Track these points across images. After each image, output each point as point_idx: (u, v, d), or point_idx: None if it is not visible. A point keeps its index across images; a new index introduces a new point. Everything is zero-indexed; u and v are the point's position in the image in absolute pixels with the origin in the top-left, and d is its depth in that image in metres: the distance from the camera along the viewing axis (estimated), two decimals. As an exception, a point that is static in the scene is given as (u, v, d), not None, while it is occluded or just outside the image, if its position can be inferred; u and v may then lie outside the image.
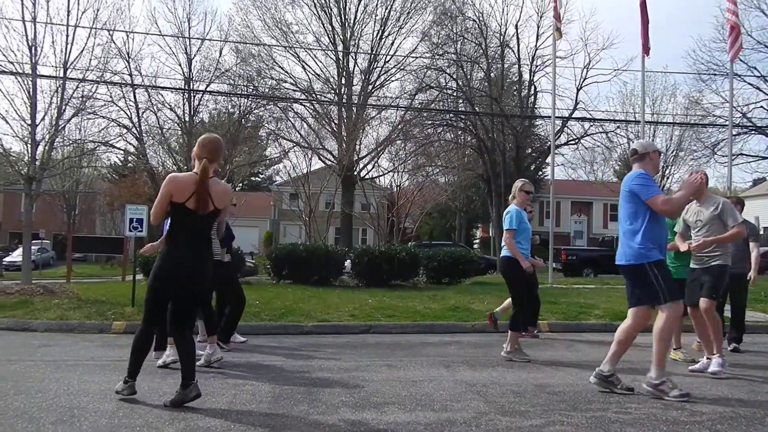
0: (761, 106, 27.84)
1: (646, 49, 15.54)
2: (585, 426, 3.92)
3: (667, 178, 31.87)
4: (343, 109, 27.00)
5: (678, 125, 29.52)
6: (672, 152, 30.91)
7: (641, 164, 5.07)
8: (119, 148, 29.07)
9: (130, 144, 28.98)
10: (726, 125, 21.23)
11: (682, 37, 78.94)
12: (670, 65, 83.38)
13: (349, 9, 27.44)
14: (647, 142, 5.45)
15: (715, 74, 27.44)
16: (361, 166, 26.81)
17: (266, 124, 27.98)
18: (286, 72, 27.81)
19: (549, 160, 24.32)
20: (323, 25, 27.68)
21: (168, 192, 4.27)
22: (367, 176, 27.28)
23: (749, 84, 27.47)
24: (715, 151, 28.21)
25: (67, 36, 14.50)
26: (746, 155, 28.39)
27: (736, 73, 23.83)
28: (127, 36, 25.39)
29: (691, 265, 6.03)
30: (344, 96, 27.73)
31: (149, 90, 24.96)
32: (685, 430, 3.88)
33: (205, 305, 6.30)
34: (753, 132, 27.84)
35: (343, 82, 27.91)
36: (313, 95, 27.58)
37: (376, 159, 27.03)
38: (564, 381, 5.29)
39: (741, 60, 24.83)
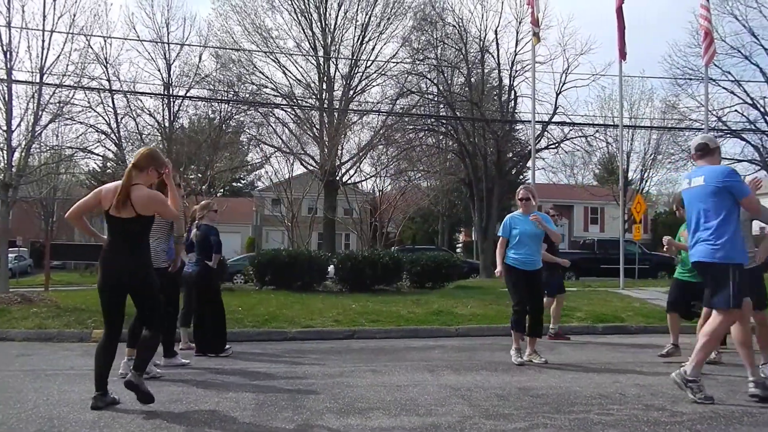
0: (736, 110, 28.36)
1: (623, 54, 15.73)
2: (568, 428, 3.95)
3: (646, 181, 32.28)
4: (324, 114, 26.94)
5: (655, 129, 29.90)
6: (650, 156, 31.30)
7: (710, 159, 4.86)
8: (98, 154, 28.62)
9: (108, 150, 28.57)
10: (702, 129, 21.57)
11: (659, 42, 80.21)
12: (647, 70, 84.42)
13: (329, 14, 27.42)
14: (713, 137, 5.36)
15: (690, 79, 27.88)
16: (344, 171, 26.78)
17: (247, 130, 27.82)
18: (267, 77, 27.69)
19: (530, 164, 24.47)
20: (303, 30, 27.62)
21: (90, 198, 4.63)
22: (349, 181, 27.24)
23: (724, 88, 27.94)
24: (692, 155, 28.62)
25: (44, 41, 14.27)
26: (722, 158, 28.76)
27: (711, 78, 24.23)
28: (105, 41, 25.04)
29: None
30: (325, 101, 27.66)
31: (128, 95, 24.68)
32: (666, 430, 3.93)
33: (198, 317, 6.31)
34: (728, 135, 28.32)
35: (324, 87, 27.85)
36: (294, 100, 27.49)
37: (358, 164, 27.02)
38: (547, 384, 5.33)
39: (715, 65, 25.26)
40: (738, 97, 28.03)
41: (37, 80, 14.32)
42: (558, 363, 6.44)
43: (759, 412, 4.37)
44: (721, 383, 5.40)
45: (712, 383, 5.39)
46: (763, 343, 5.61)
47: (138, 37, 29.69)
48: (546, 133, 28.52)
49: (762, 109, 27.96)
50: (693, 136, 27.87)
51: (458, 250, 44.71)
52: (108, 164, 35.23)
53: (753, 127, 28.00)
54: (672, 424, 4.07)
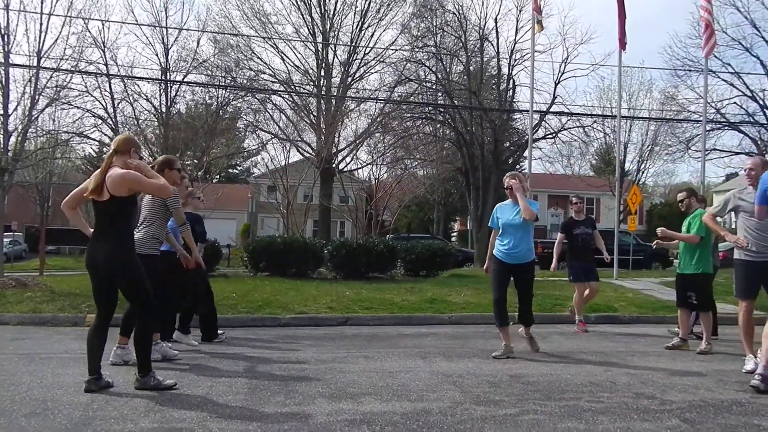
0: (735, 102, 28.33)
1: (622, 44, 15.69)
2: (558, 415, 3.99)
3: (643, 172, 32.31)
4: (322, 101, 26.85)
5: (654, 120, 29.91)
6: (647, 147, 31.30)
7: None
8: (94, 139, 28.55)
9: (105, 135, 28.44)
10: (700, 121, 21.57)
11: (659, 33, 79.98)
12: (646, 61, 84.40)
13: (329, 0, 27.29)
14: None
15: (690, 70, 27.82)
16: (340, 158, 26.73)
17: (244, 116, 27.71)
18: (265, 63, 27.57)
19: (527, 153, 24.46)
20: (302, 15, 27.47)
21: (82, 187, 4.65)
22: (345, 169, 27.22)
23: (723, 80, 27.90)
24: (690, 146, 28.66)
25: (41, 24, 14.15)
26: (720, 150, 28.85)
27: (711, 70, 24.22)
28: (103, 25, 24.89)
29: (746, 257, 5.57)
30: (323, 88, 27.56)
31: (125, 80, 24.55)
32: (655, 418, 3.96)
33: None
34: (726, 128, 28.32)
35: (322, 73, 27.74)
36: (292, 87, 27.39)
37: (354, 151, 26.98)
38: (538, 371, 5.37)
39: (716, 56, 25.22)
40: (737, 89, 27.99)
41: (35, 64, 14.23)
42: (550, 351, 6.48)
43: (748, 402, 4.42)
44: (710, 373, 5.45)
45: (703, 373, 5.44)
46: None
47: (136, 20, 29.47)
48: (544, 122, 28.52)
49: (761, 102, 27.95)
50: (691, 129, 27.98)
51: (453, 239, 44.79)
52: (104, 149, 35.12)
53: (751, 120, 27.99)
54: (662, 412, 4.11)
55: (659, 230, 6.88)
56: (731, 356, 6.27)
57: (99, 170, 4.49)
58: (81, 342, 6.67)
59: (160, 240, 5.68)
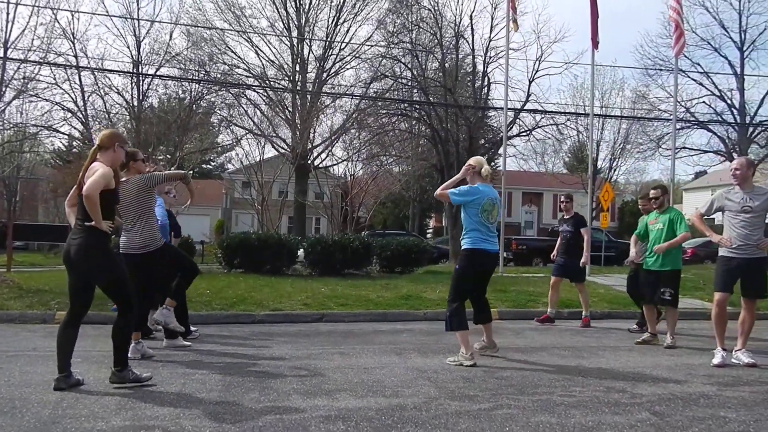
0: (704, 102, 28.89)
1: (595, 43, 15.88)
2: (531, 409, 4.03)
3: (615, 170, 32.79)
4: (297, 97, 26.67)
5: (625, 119, 30.36)
6: (619, 145, 31.78)
7: None
8: (63, 133, 27.97)
9: (75, 128, 27.90)
10: (670, 119, 21.95)
11: (631, 31, 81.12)
12: (618, 59, 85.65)
13: (304, -6, 27.10)
14: None
15: (661, 69, 28.31)
16: (315, 154, 26.60)
17: (218, 111, 27.37)
18: (239, 57, 27.25)
19: (501, 151, 24.62)
20: (277, 10, 27.22)
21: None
22: (321, 165, 27.10)
23: (693, 80, 28.44)
24: (660, 145, 29.18)
25: (8, 14, 13.87)
26: (689, 149, 29.43)
27: (681, 69, 24.69)
28: (72, 15, 24.37)
29: (728, 254, 5.75)
30: (298, 83, 27.38)
31: (95, 73, 24.09)
32: (625, 411, 4.03)
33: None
34: (696, 126, 28.87)
35: (298, 69, 27.54)
36: (267, 82, 27.15)
37: (330, 148, 26.86)
38: (512, 366, 5.42)
39: (685, 56, 25.73)
40: (706, 88, 28.54)
41: (1, 55, 13.90)
42: (523, 346, 6.55)
43: (714, 395, 4.52)
44: (679, 367, 5.56)
45: (672, 367, 5.55)
46: (744, 330, 5.79)
47: (107, 12, 28.96)
48: (518, 120, 28.71)
49: (729, 101, 28.54)
50: (661, 127, 28.50)
51: (428, 236, 44.94)
52: (74, 143, 34.49)
53: (720, 119, 28.57)
54: (632, 405, 4.19)
55: (656, 248, 6.85)
56: (699, 350, 6.41)
57: (84, 165, 4.53)
58: (50, 339, 6.55)
59: (157, 235, 5.74)
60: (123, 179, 5.27)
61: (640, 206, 7.82)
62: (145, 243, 5.58)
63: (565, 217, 8.79)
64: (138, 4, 26.02)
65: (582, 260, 8.51)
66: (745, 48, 28.02)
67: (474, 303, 5.97)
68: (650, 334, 6.96)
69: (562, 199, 9.14)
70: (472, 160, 6.05)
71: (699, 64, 28.46)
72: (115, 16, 25.79)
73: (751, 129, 28.09)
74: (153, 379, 4.63)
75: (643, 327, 7.40)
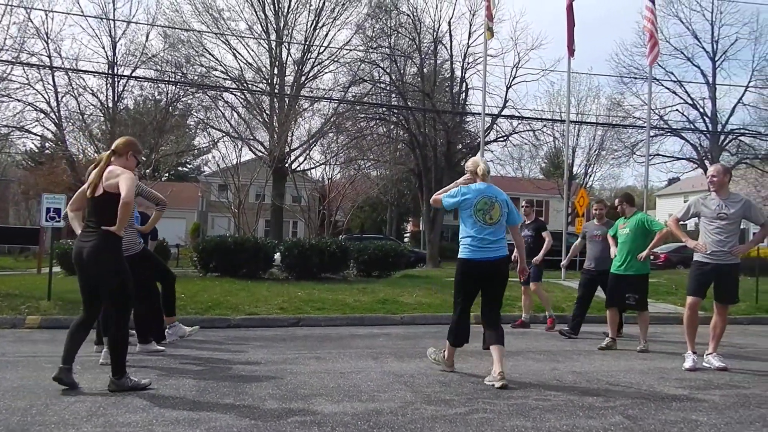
0: (677, 110, 29.45)
1: (571, 51, 16.09)
2: (507, 413, 4.05)
3: (590, 176, 33.22)
4: (275, 100, 26.57)
5: (600, 125, 30.81)
6: (594, 151, 32.24)
7: None
8: (36, 134, 27.53)
9: (47, 129, 27.49)
10: (644, 127, 22.28)
11: (607, 40, 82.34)
12: (594, 67, 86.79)
13: (283, -3, 27.02)
14: None
15: (635, 77, 28.83)
16: (293, 158, 26.51)
17: (195, 113, 27.16)
18: (217, 60, 27.08)
19: (478, 156, 24.76)
20: (256, 12, 27.11)
21: (83, 188, 4.68)
22: (298, 168, 27.01)
23: (666, 88, 29.01)
24: (634, 151, 29.68)
25: (-21, 12, 13.58)
26: (662, 156, 30.00)
27: (655, 78, 25.10)
28: (46, 15, 24.05)
29: (702, 259, 5.83)
30: (276, 86, 27.28)
31: (69, 73, 23.74)
32: (599, 414, 4.07)
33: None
34: (669, 134, 29.41)
35: (276, 72, 27.45)
36: (245, 84, 27.01)
37: (307, 151, 26.80)
38: (488, 371, 5.42)
39: (659, 65, 26.21)
40: (679, 97, 29.13)
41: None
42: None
43: (686, 398, 4.59)
44: (652, 371, 5.64)
45: (645, 371, 5.62)
46: (716, 335, 5.89)
47: (82, 12, 28.59)
48: (495, 126, 28.97)
49: (701, 110, 29.13)
50: (636, 134, 28.96)
51: (406, 240, 45.03)
52: (47, 144, 33.90)
53: (692, 127, 29.12)
54: (606, 408, 4.23)
55: (639, 256, 6.97)
56: (672, 354, 6.51)
57: (96, 169, 4.54)
58: (20, 345, 6.43)
59: (136, 240, 5.96)
60: None
61: (594, 210, 8.09)
62: (125, 246, 5.46)
63: (525, 222, 8.85)
64: (114, 5, 25.76)
65: (534, 259, 8.51)
66: (716, 58, 28.67)
67: (482, 318, 5.26)
68: (611, 338, 7.05)
69: (523, 204, 9.24)
70: (468, 163, 5.53)
71: (672, 73, 29.04)
72: (90, 17, 25.50)
73: (722, 137, 28.69)
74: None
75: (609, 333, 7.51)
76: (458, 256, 5.24)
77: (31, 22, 23.48)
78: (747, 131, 28.85)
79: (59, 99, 24.61)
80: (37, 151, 36.94)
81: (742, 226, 6.06)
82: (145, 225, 6.25)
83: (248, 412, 3.96)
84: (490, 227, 5.11)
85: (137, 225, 6.16)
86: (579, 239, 8.46)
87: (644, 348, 6.79)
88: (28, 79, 23.39)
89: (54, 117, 24.95)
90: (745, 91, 28.67)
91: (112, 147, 4.68)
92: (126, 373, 4.48)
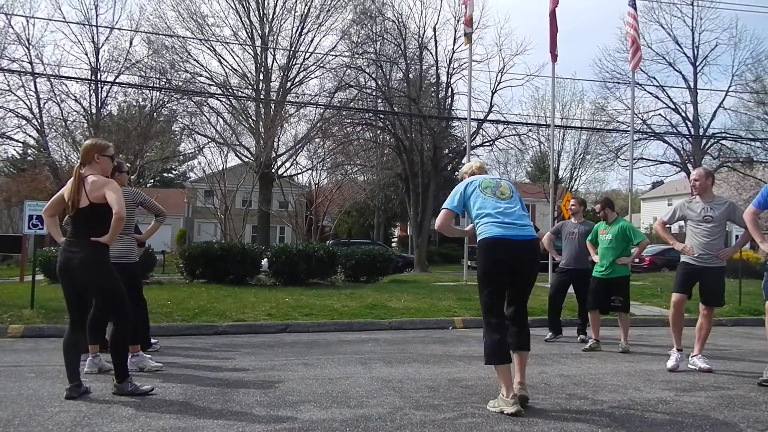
0: (660, 114, 29.80)
1: (554, 56, 16.22)
2: (495, 417, 4.05)
3: (575, 180, 33.48)
4: (261, 105, 26.50)
5: (585, 130, 31.10)
6: (579, 155, 32.52)
7: None
8: (17, 141, 27.28)
9: (29, 136, 27.24)
10: (628, 131, 22.50)
11: (590, 46, 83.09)
12: (578, 72, 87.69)
13: (268, 3, 26.96)
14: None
15: (618, 82, 29.14)
16: (279, 163, 26.44)
17: (180, 119, 27.02)
18: (202, 65, 26.98)
19: (465, 160, 24.85)
20: (241, 18, 27.06)
21: (59, 195, 4.64)
22: (285, 174, 26.94)
23: (649, 93, 29.36)
24: (618, 155, 29.96)
25: (-41, 18, 13.43)
26: (646, 159, 30.32)
27: (638, 83, 25.41)
28: (27, 21, 23.88)
29: (689, 261, 5.91)
30: (262, 92, 27.21)
31: (51, 79, 23.54)
32: (587, 417, 4.09)
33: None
34: (652, 138, 29.73)
35: (261, 77, 27.39)
36: (230, 90, 26.92)
37: (294, 156, 26.76)
38: (476, 375, 5.45)
39: (642, 70, 26.53)
40: (662, 101, 29.49)
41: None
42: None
43: (672, 400, 4.62)
44: (638, 373, 5.68)
45: (632, 373, 5.66)
46: (701, 337, 5.94)
47: (64, 18, 28.38)
48: (481, 130, 29.11)
49: (683, 114, 29.48)
50: (619, 138, 29.26)
51: (394, 245, 45.04)
52: (29, 151, 33.56)
53: (675, 131, 29.46)
54: (593, 412, 4.25)
55: (619, 261, 7.06)
56: (658, 357, 6.55)
57: (71, 182, 4.48)
58: (2, 354, 6.34)
59: (132, 251, 5.82)
60: None
61: (571, 208, 8.05)
62: (120, 254, 5.52)
63: None
64: (96, 11, 25.62)
65: None
66: (697, 63, 29.06)
67: (509, 320, 4.36)
68: (595, 340, 7.11)
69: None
70: (463, 168, 4.96)
71: (655, 78, 29.40)
72: (72, 23, 25.24)
73: (704, 141, 29.05)
74: (110, 393, 4.51)
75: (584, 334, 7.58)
76: (480, 238, 4.26)
77: (12, 28, 23.31)
78: (728, 135, 29.28)
79: (41, 105, 24.40)
80: (19, 157, 36.58)
81: (726, 229, 6.14)
82: (143, 234, 6.20)
83: (236, 420, 3.93)
84: (504, 201, 4.33)
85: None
86: (549, 233, 8.30)
87: (625, 348, 6.87)
88: (9, 85, 23.21)
89: (36, 123, 24.73)
90: (726, 95, 29.14)
91: (80, 159, 4.59)
92: (128, 378, 4.52)
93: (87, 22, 25.17)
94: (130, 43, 25.68)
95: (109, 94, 25.42)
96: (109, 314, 4.61)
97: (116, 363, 4.52)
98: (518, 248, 4.19)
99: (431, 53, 29.71)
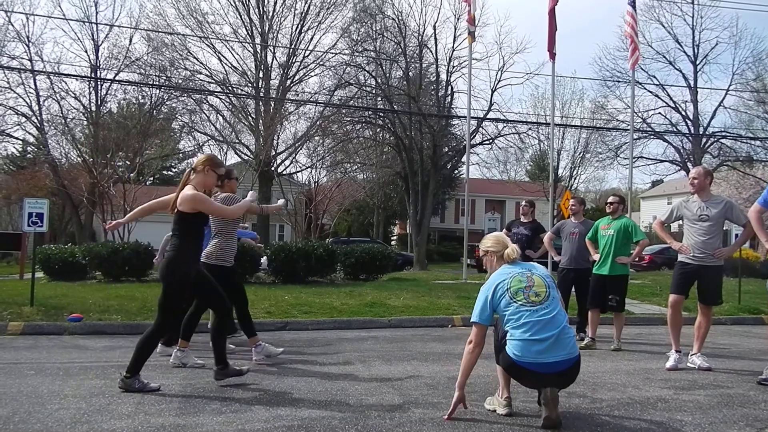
0: (659, 113, 29.77)
1: (552, 55, 16.22)
2: (494, 415, 4.06)
3: (575, 178, 33.47)
4: (260, 103, 26.49)
5: (585, 128, 31.08)
6: (579, 154, 32.49)
7: None
8: (17, 138, 27.31)
9: (29, 133, 27.27)
10: (628, 129, 22.49)
11: (590, 44, 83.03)
12: (578, 71, 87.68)
13: (268, 1, 26.92)
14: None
15: (618, 81, 29.13)
16: (279, 161, 26.44)
17: (179, 117, 27.04)
18: (201, 63, 26.93)
19: (464, 159, 24.88)
20: (240, 16, 27.02)
21: (162, 199, 5.24)
22: (284, 172, 26.95)
23: (649, 92, 29.33)
24: (618, 154, 29.95)
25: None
26: (646, 158, 30.31)
27: (638, 81, 25.39)
28: (27, 18, 23.87)
29: (686, 260, 5.91)
30: (262, 90, 27.19)
31: (51, 77, 23.52)
32: (586, 416, 4.10)
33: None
34: (652, 137, 29.72)
35: (261, 75, 27.36)
36: (230, 88, 26.90)
37: (294, 155, 26.76)
38: (475, 372, 5.40)
39: (642, 68, 26.54)
40: (662, 100, 29.46)
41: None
42: (486, 353, 6.57)
43: (671, 398, 4.62)
44: (637, 371, 5.68)
45: (631, 371, 5.67)
46: (700, 335, 5.94)
47: (63, 15, 28.35)
48: (481, 129, 29.11)
49: (683, 113, 29.46)
50: (619, 137, 29.26)
51: (393, 243, 45.04)
52: (29, 148, 33.55)
53: (675, 130, 29.45)
54: (592, 410, 4.25)
55: (619, 260, 7.07)
56: (657, 355, 6.56)
57: (179, 186, 4.90)
58: (2, 351, 6.34)
59: (229, 251, 5.93)
60: (217, 194, 5.66)
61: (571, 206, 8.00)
62: (218, 256, 5.79)
63: (522, 220, 8.85)
64: (96, 8, 25.61)
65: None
66: (698, 62, 29.05)
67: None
68: (591, 338, 7.12)
69: (524, 204, 9.17)
70: (486, 241, 4.25)
71: (655, 77, 29.39)
72: (72, 20, 25.23)
73: (704, 140, 29.04)
74: (110, 391, 4.52)
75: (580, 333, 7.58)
76: (509, 355, 3.85)
77: (12, 25, 23.29)
78: (728, 134, 29.27)
79: (41, 102, 24.39)
80: (18, 155, 36.57)
81: (724, 228, 6.14)
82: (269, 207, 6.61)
83: (235, 418, 3.93)
84: (539, 307, 3.79)
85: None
86: (550, 233, 8.28)
87: (618, 347, 6.89)
88: (8, 82, 23.19)
89: (36, 121, 24.72)
90: (726, 94, 29.12)
91: (194, 165, 5.00)
92: (138, 375, 4.60)
93: (87, 20, 25.17)
94: (130, 41, 25.68)
95: (109, 92, 25.42)
96: (160, 312, 4.77)
97: (135, 357, 4.63)
98: (551, 378, 3.72)
99: (431, 51, 29.74)
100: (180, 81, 25.93)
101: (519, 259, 4.07)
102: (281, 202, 6.89)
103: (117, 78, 25.10)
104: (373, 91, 29.72)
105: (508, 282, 3.89)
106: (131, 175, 21.12)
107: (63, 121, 24.25)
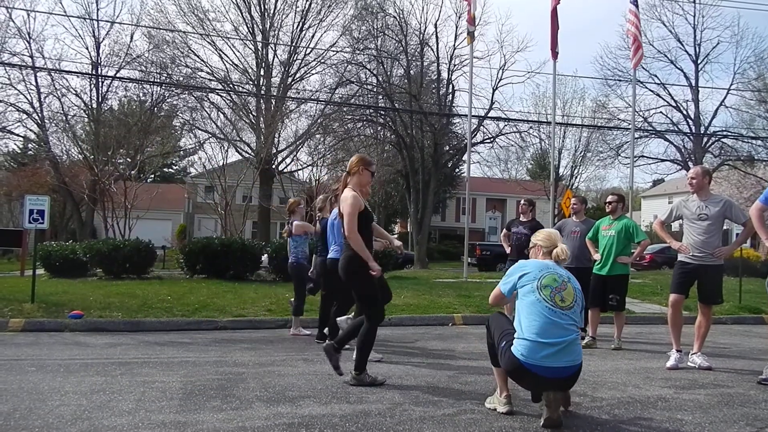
0: (660, 112, 29.74)
1: (554, 54, 16.21)
2: (495, 414, 4.06)
3: (576, 177, 33.45)
4: (261, 101, 26.47)
5: (586, 127, 31.05)
6: (580, 153, 32.47)
7: None
8: (18, 135, 27.32)
9: (30, 130, 27.27)
10: (629, 129, 22.47)
11: (591, 43, 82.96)
12: (579, 70, 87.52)
13: (269, -1, 26.94)
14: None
15: (620, 80, 29.10)
16: (280, 159, 26.44)
17: (180, 114, 27.02)
18: (202, 61, 26.93)
19: (465, 157, 24.86)
20: (242, 14, 27.01)
21: None
22: (285, 170, 26.94)
23: (650, 91, 29.29)
24: (619, 153, 29.93)
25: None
26: (647, 157, 30.28)
27: (639, 80, 25.39)
28: (28, 15, 23.87)
29: (686, 259, 5.91)
30: (263, 87, 27.18)
31: (52, 73, 23.53)
32: (586, 414, 4.10)
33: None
34: (653, 136, 29.68)
35: (262, 73, 27.35)
36: (231, 85, 26.89)
37: (294, 152, 26.75)
38: (476, 371, 5.45)
39: (643, 68, 26.48)
40: (663, 99, 29.42)
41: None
42: (485, 352, 6.58)
43: (671, 398, 4.62)
44: (638, 370, 5.68)
45: (631, 371, 5.67)
46: (701, 334, 5.95)
47: (64, 12, 28.33)
48: (482, 127, 29.10)
49: (684, 112, 29.43)
50: (620, 136, 29.23)
51: (394, 241, 44.88)
52: (30, 145, 33.55)
53: (676, 129, 29.42)
54: (592, 408, 4.25)
55: (620, 260, 7.08)
56: (657, 354, 6.56)
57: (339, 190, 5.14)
58: (3, 348, 6.34)
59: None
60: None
61: (573, 205, 7.98)
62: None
63: (522, 219, 8.84)
64: (97, 5, 25.62)
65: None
66: (699, 61, 29.00)
67: None
68: (591, 338, 7.12)
69: (522, 202, 9.12)
70: (540, 236, 4.28)
71: (656, 76, 29.38)
72: (73, 17, 25.22)
73: (705, 139, 29.01)
74: (111, 388, 4.52)
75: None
76: (513, 352, 3.79)
77: (13, 21, 23.29)
78: (729, 133, 29.24)
79: (42, 99, 24.39)
80: (19, 152, 36.59)
81: (725, 227, 6.14)
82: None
83: (236, 415, 3.93)
84: (560, 310, 3.78)
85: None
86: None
87: (618, 346, 6.89)
88: (9, 79, 23.20)
89: (37, 118, 24.73)
90: (727, 93, 29.07)
91: (348, 168, 5.17)
92: (365, 370, 4.85)
93: (88, 16, 25.16)
94: (131, 38, 25.71)
95: (110, 89, 25.45)
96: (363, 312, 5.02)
97: (359, 356, 4.83)
98: (552, 383, 3.73)
99: (432, 50, 29.73)
100: (181, 78, 25.93)
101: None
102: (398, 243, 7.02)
103: (118, 75, 25.12)
104: (374, 89, 29.71)
105: (543, 274, 3.92)
106: (132, 172, 21.13)
107: (64, 118, 24.27)
